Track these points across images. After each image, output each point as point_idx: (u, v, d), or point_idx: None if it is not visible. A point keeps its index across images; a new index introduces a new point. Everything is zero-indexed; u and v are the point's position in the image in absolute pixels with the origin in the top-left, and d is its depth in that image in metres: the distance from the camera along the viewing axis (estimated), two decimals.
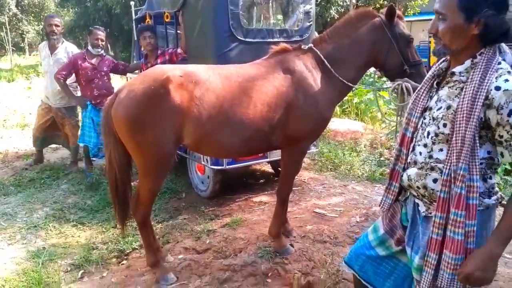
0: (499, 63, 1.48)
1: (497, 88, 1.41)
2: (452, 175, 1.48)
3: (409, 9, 17.93)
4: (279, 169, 3.52)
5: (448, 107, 1.53)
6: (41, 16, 27.62)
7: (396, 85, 2.73)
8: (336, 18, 18.95)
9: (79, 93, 5.15)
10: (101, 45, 5.05)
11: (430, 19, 2.70)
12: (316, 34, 4.61)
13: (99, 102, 4.97)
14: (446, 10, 1.51)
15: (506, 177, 4.80)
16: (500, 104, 1.39)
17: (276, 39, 3.97)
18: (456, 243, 1.49)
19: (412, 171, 1.66)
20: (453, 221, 1.49)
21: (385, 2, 18.76)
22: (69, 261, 3.34)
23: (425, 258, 1.59)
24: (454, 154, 1.47)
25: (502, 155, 1.45)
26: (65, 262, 3.33)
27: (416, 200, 1.71)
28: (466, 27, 1.48)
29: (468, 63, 1.53)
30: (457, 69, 1.55)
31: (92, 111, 4.95)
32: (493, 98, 1.41)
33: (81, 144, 5.24)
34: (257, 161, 4.47)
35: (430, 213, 1.61)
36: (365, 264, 1.95)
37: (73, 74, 5.02)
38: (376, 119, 8.05)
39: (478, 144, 1.46)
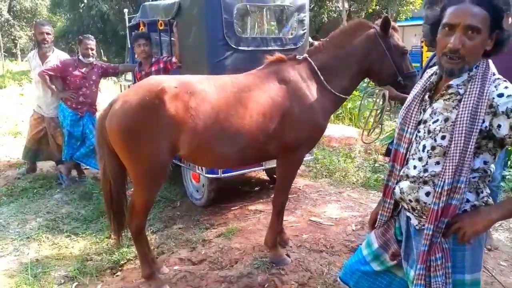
0: (494, 74, 1.52)
1: (500, 95, 1.43)
2: (447, 187, 1.48)
3: (401, 14, 18.06)
4: (275, 176, 3.51)
5: (446, 119, 1.53)
6: (33, 22, 27.46)
7: (376, 89, 2.83)
8: (326, 22, 19.09)
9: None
10: (91, 54, 5.04)
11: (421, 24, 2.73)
12: (310, 40, 4.63)
13: (79, 108, 5.03)
14: (482, 25, 1.45)
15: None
16: (508, 108, 1.41)
17: (270, 48, 3.97)
18: (443, 249, 1.53)
19: (405, 184, 1.66)
20: (440, 229, 1.52)
21: (377, 7, 18.91)
22: (62, 273, 3.30)
23: (416, 272, 1.59)
24: (451, 167, 1.47)
25: None
26: (58, 274, 3.29)
27: (407, 214, 1.71)
28: (487, 42, 1.50)
29: (465, 76, 1.53)
30: (454, 81, 1.55)
31: (68, 120, 5.01)
32: (498, 105, 1.43)
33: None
34: (252, 169, 4.46)
35: (423, 225, 1.61)
36: (360, 280, 1.93)
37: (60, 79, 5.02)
38: (369, 124, 8.07)
39: (472, 156, 1.47)
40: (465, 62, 1.49)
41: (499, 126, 1.43)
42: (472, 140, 1.45)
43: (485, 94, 1.45)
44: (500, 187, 3.29)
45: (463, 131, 1.45)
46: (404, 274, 1.81)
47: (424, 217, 1.59)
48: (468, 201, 1.54)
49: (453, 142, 1.48)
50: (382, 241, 1.85)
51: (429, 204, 1.55)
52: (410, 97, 1.74)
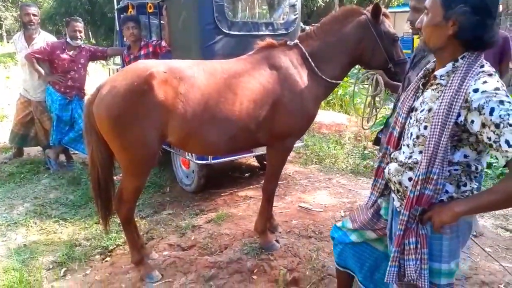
0: (482, 66, 1.48)
1: (475, 90, 1.41)
2: (422, 177, 1.50)
3: (393, 0, 17.99)
4: (265, 162, 3.50)
5: (429, 110, 1.54)
6: (19, 2, 26.80)
7: (369, 74, 2.84)
8: (319, 7, 18.96)
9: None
10: (79, 37, 4.95)
11: None
12: (302, 25, 4.59)
13: (68, 92, 4.97)
14: (430, 4, 1.53)
15: (486, 170, 4.89)
16: (480, 105, 1.38)
17: (261, 32, 3.93)
18: (419, 234, 1.57)
19: (393, 166, 1.70)
20: (414, 216, 1.56)
21: None
22: (51, 259, 3.29)
23: (392, 254, 1.64)
24: (426, 157, 1.49)
25: (497, 158, 1.41)
26: (47, 259, 3.27)
27: (392, 195, 1.76)
28: (444, 25, 1.49)
29: (449, 66, 1.53)
30: (439, 72, 1.55)
31: (57, 104, 4.95)
32: (472, 101, 1.40)
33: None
34: (242, 155, 4.45)
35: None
36: (342, 252, 2.08)
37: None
38: (360, 111, 8.09)
39: (449, 149, 1.47)
40: (424, 41, 1.59)
41: (472, 121, 1.42)
42: (445, 132, 1.44)
43: (463, 87, 1.43)
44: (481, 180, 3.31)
45: (439, 123, 1.45)
46: (384, 248, 1.95)
47: (404, 201, 1.61)
48: (446, 192, 1.55)
49: (429, 133, 1.49)
50: (366, 222, 1.97)
51: (408, 190, 1.58)
52: (412, 84, 1.76)
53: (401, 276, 1.62)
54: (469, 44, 1.49)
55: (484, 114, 1.37)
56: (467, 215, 1.51)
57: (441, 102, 1.47)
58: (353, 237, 2.02)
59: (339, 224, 2.13)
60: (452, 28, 1.47)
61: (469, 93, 1.42)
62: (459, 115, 1.44)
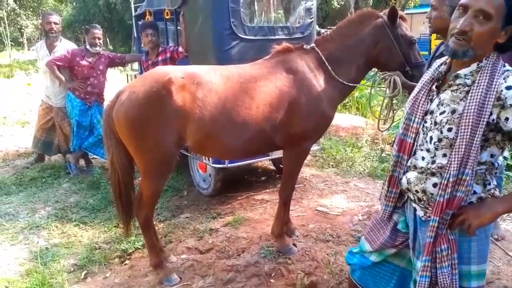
0: (504, 66, 1.49)
1: (509, 88, 1.41)
2: (452, 179, 1.47)
3: (410, 2, 17.82)
4: (281, 166, 3.50)
5: (453, 111, 1.51)
6: (40, 11, 27.47)
7: (386, 76, 2.80)
8: (334, 10, 18.90)
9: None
10: (98, 44, 5.04)
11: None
12: (317, 28, 4.59)
13: (87, 98, 5.07)
14: (494, 11, 1.42)
15: (508, 172, 4.80)
16: None
17: (277, 36, 3.94)
18: (449, 240, 1.54)
19: (412, 174, 1.65)
20: (445, 221, 1.52)
21: None
22: (72, 262, 3.34)
23: (422, 263, 1.60)
24: (457, 159, 1.46)
25: None
26: (68, 262, 3.33)
27: (413, 205, 1.70)
28: (498, 34, 1.46)
29: (474, 66, 1.51)
30: (463, 71, 1.53)
31: (77, 110, 5.05)
32: (506, 98, 1.40)
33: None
34: (258, 159, 4.47)
35: (428, 217, 1.61)
36: (362, 277, 1.95)
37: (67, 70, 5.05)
38: (377, 113, 8.02)
39: (478, 149, 1.46)
40: (470, 46, 1.46)
41: (506, 119, 1.41)
42: (478, 132, 1.43)
43: (493, 86, 1.43)
44: (502, 177, 3.25)
45: (470, 123, 1.43)
46: (406, 264, 1.85)
47: (430, 208, 1.58)
48: (475, 193, 1.54)
49: (459, 134, 1.46)
50: (384, 241, 1.84)
51: (436, 196, 1.54)
52: (418, 86, 1.72)
53: (433, 285, 1.58)
54: (500, 48, 1.50)
55: None
56: (507, 213, 1.51)
57: (470, 102, 1.45)
58: (373, 258, 1.90)
59: (355, 249, 2.01)
60: (503, 37, 1.47)
61: (501, 91, 1.42)
62: (490, 113, 1.43)
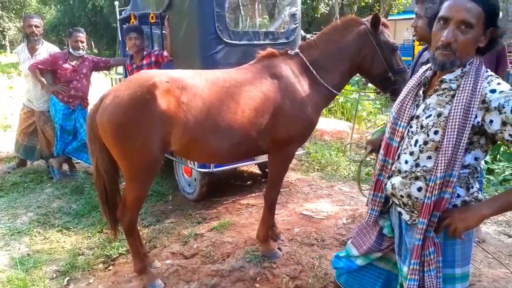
0: (487, 71, 1.54)
1: (493, 91, 1.46)
2: (439, 181, 1.50)
3: (393, 8, 18.10)
4: (266, 170, 3.51)
5: (439, 114, 1.55)
6: (22, 13, 27.07)
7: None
8: (319, 16, 19.08)
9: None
10: (81, 47, 5.00)
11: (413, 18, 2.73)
12: (302, 33, 4.64)
13: (70, 102, 5.01)
14: (475, 20, 1.48)
15: (489, 176, 4.90)
16: (500, 104, 1.43)
17: (262, 42, 3.97)
18: (435, 243, 1.56)
19: (396, 179, 1.66)
20: (433, 223, 1.55)
21: (370, 1, 18.92)
22: (54, 268, 3.29)
23: (410, 266, 1.61)
24: (444, 161, 1.49)
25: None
26: (50, 268, 3.28)
27: (398, 209, 1.72)
28: (480, 39, 1.52)
29: (458, 71, 1.56)
30: (448, 76, 1.58)
31: (60, 114, 4.98)
32: (491, 100, 1.45)
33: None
34: (244, 163, 4.47)
35: (414, 220, 1.63)
36: (348, 281, 1.98)
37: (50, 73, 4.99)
38: (362, 118, 8.12)
39: (464, 151, 1.49)
40: (456, 56, 1.51)
41: (491, 121, 1.45)
42: (464, 134, 1.47)
43: (478, 89, 1.48)
44: (482, 181, 3.31)
45: (456, 126, 1.47)
46: (391, 267, 1.86)
47: (416, 212, 1.61)
48: (458, 196, 1.57)
49: (446, 136, 1.49)
50: (370, 245, 1.87)
51: (421, 199, 1.57)
52: (404, 91, 1.76)
53: None
54: (481, 52, 1.56)
55: (505, 112, 1.42)
56: (493, 216, 1.53)
57: (456, 105, 1.49)
58: (359, 262, 1.93)
59: (341, 254, 2.03)
60: (484, 41, 1.52)
61: (486, 94, 1.47)
62: (476, 116, 1.47)
